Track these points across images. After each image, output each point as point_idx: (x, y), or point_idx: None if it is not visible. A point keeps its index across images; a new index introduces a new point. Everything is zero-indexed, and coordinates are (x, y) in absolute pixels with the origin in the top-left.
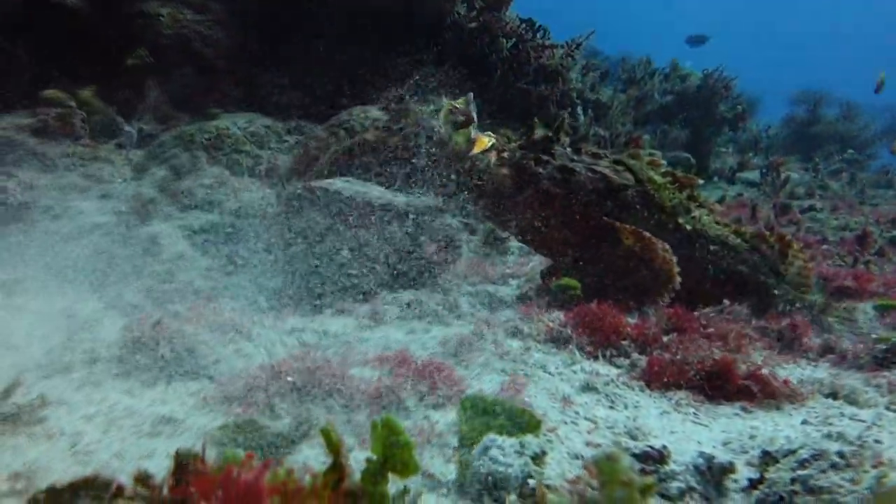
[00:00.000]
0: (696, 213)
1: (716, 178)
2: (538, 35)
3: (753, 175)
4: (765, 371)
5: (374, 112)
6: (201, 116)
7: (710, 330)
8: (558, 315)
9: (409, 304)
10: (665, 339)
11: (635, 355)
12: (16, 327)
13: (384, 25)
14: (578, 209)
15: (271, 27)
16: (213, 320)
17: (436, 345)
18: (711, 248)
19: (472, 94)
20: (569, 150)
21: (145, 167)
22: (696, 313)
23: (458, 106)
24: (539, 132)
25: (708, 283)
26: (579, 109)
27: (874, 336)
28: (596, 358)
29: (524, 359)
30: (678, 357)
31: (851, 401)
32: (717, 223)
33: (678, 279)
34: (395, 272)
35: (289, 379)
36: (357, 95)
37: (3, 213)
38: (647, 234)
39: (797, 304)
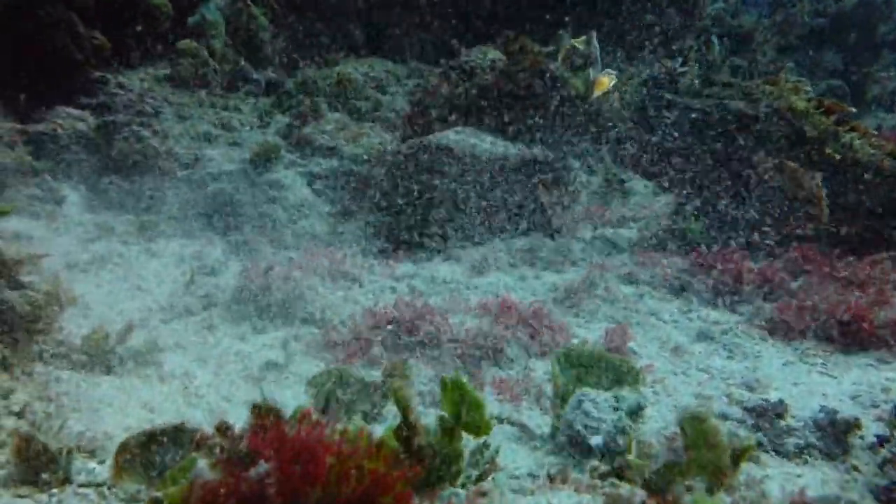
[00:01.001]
0: (847, 138)
1: (874, 107)
2: None
3: None
4: None
5: (493, 52)
6: (324, 63)
7: (844, 274)
8: (675, 260)
9: (520, 251)
10: (794, 284)
11: (759, 302)
12: (149, 270)
13: None
14: (707, 149)
15: None
16: (325, 267)
17: (545, 291)
18: (866, 176)
19: (594, 33)
20: (697, 82)
21: (271, 114)
22: (829, 256)
23: (577, 46)
24: (665, 63)
25: (864, 216)
26: (714, 38)
27: None
28: (716, 305)
29: (636, 307)
30: (807, 303)
31: None
32: (873, 146)
33: (826, 211)
34: (509, 218)
35: (389, 327)
36: (479, 35)
37: (143, 161)
38: (791, 165)
39: None
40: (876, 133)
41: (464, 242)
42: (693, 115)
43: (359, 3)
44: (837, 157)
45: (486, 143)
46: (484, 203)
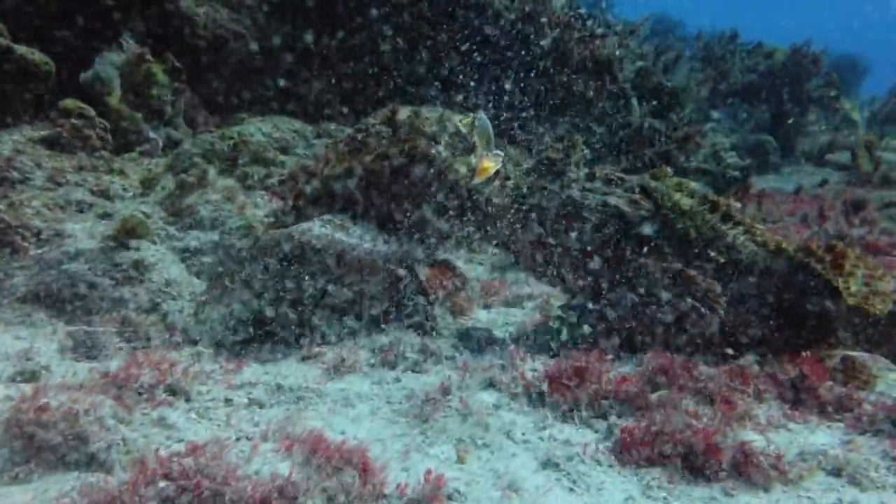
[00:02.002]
0: (731, 237)
1: (803, 161)
2: (588, 23)
3: (846, 156)
4: (754, 445)
5: (404, 113)
6: (230, 121)
7: (702, 385)
8: (539, 365)
9: (383, 349)
10: (653, 396)
11: (614, 418)
12: None
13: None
14: (590, 247)
15: (313, 21)
16: (145, 382)
17: (401, 398)
18: (751, 279)
19: (481, 113)
20: (583, 174)
21: (156, 180)
22: (691, 363)
23: (462, 129)
24: (550, 155)
25: (752, 321)
26: (634, 101)
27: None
28: (572, 419)
29: (490, 421)
30: (654, 427)
31: (855, 481)
32: (757, 242)
33: (721, 312)
34: (378, 313)
35: (161, 485)
36: (395, 93)
37: None
38: (685, 271)
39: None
40: (761, 226)
41: (328, 337)
42: (573, 210)
43: (274, 57)
44: (721, 259)
45: (354, 239)
46: (349, 297)
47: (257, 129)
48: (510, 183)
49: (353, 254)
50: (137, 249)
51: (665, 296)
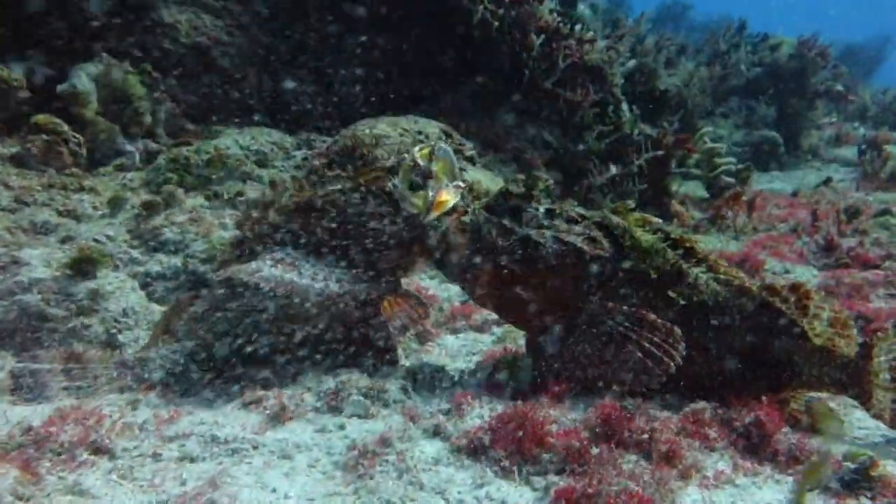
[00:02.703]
0: (693, 276)
1: (809, 157)
2: (576, 28)
3: (853, 151)
4: None
5: (382, 127)
6: (207, 134)
7: (645, 437)
8: (488, 409)
9: (329, 393)
10: (594, 451)
11: (552, 476)
12: None
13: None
14: (543, 290)
15: (298, 27)
16: (65, 440)
17: (342, 450)
18: (712, 321)
19: (443, 144)
20: (542, 210)
21: (123, 200)
22: (633, 413)
23: (418, 161)
24: (511, 189)
25: (713, 363)
26: (625, 106)
27: (843, 452)
28: (511, 475)
29: (426, 478)
30: (590, 489)
31: None
32: (720, 281)
33: (672, 365)
34: (328, 352)
35: None
36: (384, 101)
37: None
38: (643, 314)
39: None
40: (725, 263)
41: (273, 381)
42: (528, 250)
43: (259, 64)
44: (681, 301)
45: (304, 280)
46: (297, 339)
47: (234, 142)
48: (467, 218)
49: (304, 296)
50: (94, 278)
51: (620, 340)
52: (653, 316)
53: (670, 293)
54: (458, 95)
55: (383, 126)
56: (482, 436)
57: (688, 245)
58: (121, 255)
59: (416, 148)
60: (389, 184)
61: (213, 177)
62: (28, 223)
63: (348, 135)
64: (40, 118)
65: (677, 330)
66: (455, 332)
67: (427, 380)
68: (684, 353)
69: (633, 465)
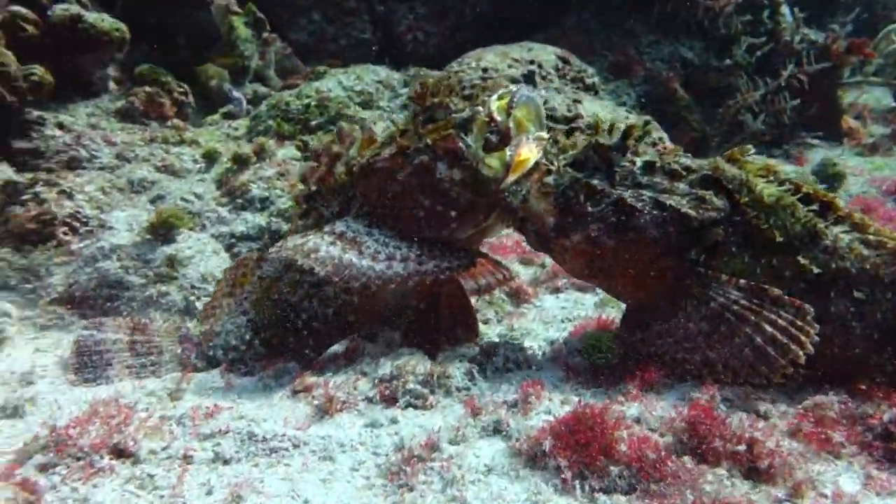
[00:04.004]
0: (830, 238)
1: None
2: None
3: None
4: None
5: (490, 58)
6: (312, 76)
7: (741, 448)
8: (558, 401)
9: (385, 379)
10: (671, 464)
11: (618, 497)
12: None
13: None
14: (641, 262)
15: None
16: (87, 442)
17: (389, 449)
18: (856, 294)
19: (524, 89)
20: (640, 164)
21: (216, 154)
22: (727, 419)
23: (494, 114)
24: (600, 140)
25: (856, 346)
26: (784, 9)
27: None
28: (572, 491)
29: (468, 495)
30: None
31: None
32: (869, 244)
33: (801, 354)
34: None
35: None
36: (503, 26)
37: (41, 230)
38: (768, 289)
39: None
40: (874, 223)
41: (328, 367)
42: (622, 218)
43: None
44: (815, 269)
45: (366, 260)
46: (353, 323)
47: (338, 84)
48: (551, 179)
49: (362, 280)
50: (173, 242)
51: (734, 322)
52: (777, 291)
53: (801, 259)
54: (584, 14)
55: (491, 57)
56: (543, 440)
57: (824, 199)
58: (209, 213)
59: (494, 97)
60: (460, 143)
61: (313, 122)
62: (125, 181)
63: (419, 81)
64: (143, 68)
65: (808, 308)
66: (556, 291)
67: (501, 360)
68: (816, 339)
69: (719, 485)
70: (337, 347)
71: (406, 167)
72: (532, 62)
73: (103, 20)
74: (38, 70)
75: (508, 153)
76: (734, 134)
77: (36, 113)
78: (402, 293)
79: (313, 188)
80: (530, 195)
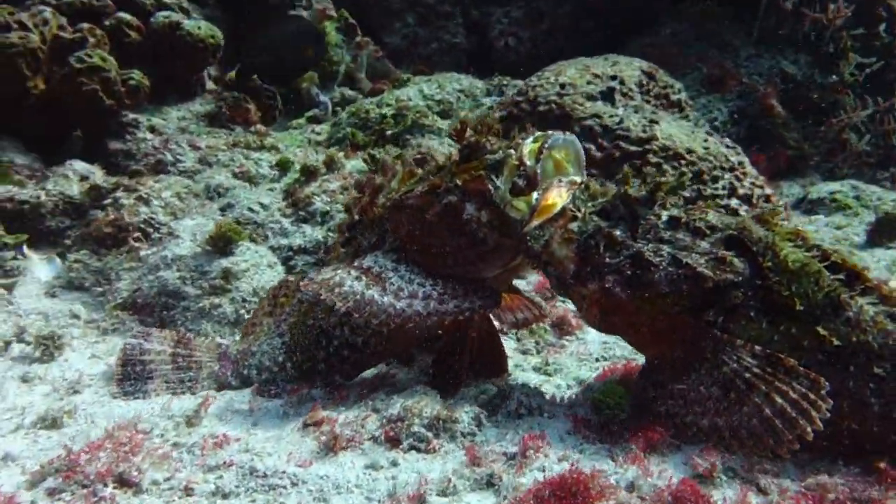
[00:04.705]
0: (854, 310)
1: None
2: None
3: None
4: None
5: (570, 74)
6: (396, 82)
7: None
8: (555, 458)
9: (393, 419)
10: None
11: None
12: None
13: None
14: (655, 318)
15: None
16: (89, 472)
17: (385, 495)
18: (876, 369)
19: (559, 134)
20: (664, 219)
21: (289, 163)
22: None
23: (525, 159)
24: (630, 190)
25: (874, 423)
26: None
27: None
28: None
29: None
30: None
31: None
32: (893, 315)
33: (809, 430)
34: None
35: None
36: (596, 31)
37: (116, 235)
38: (783, 359)
39: None
40: None
41: (351, 396)
42: (637, 272)
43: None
44: (835, 341)
45: (388, 297)
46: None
47: (418, 92)
48: (575, 226)
49: (381, 318)
50: (231, 255)
51: (744, 389)
52: (792, 361)
53: (820, 330)
54: (679, 23)
55: (571, 72)
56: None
57: (853, 268)
58: (272, 224)
59: (529, 139)
60: (489, 184)
61: (388, 132)
62: (203, 187)
63: (467, 116)
64: (233, 74)
65: (823, 382)
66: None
67: (514, 404)
68: (828, 415)
69: None
70: (368, 372)
71: (435, 206)
72: (614, 77)
73: (199, 27)
74: (136, 74)
75: (535, 197)
76: (835, 154)
77: (132, 115)
78: (427, 327)
79: (356, 217)
80: (553, 240)
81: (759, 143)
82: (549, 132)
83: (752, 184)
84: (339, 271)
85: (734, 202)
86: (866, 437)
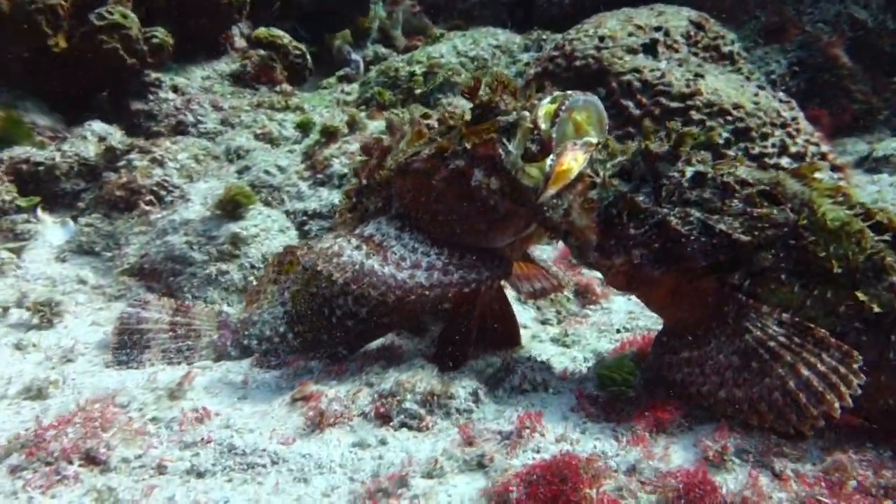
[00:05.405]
0: None
1: None
2: None
3: None
4: None
5: (611, 24)
6: (429, 39)
7: None
8: (553, 438)
9: (385, 395)
10: None
11: None
12: None
13: None
14: (682, 282)
15: None
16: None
17: (370, 475)
18: None
19: (577, 94)
20: (689, 176)
21: (310, 124)
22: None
23: (540, 122)
24: (651, 147)
25: None
26: None
27: None
28: None
29: None
30: None
31: None
32: None
33: (837, 406)
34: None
35: None
36: None
37: (128, 197)
38: (813, 329)
39: None
40: None
41: (350, 368)
42: (666, 244)
43: None
44: (875, 308)
45: (388, 267)
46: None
47: (452, 49)
48: (594, 193)
49: (380, 290)
50: (241, 219)
51: (767, 360)
52: (823, 331)
53: (860, 295)
54: None
55: (612, 24)
56: (512, 489)
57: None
58: (289, 188)
59: (546, 100)
60: (500, 149)
61: (417, 91)
62: (223, 149)
63: (484, 72)
64: (260, 31)
65: (856, 355)
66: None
67: (518, 379)
68: (859, 391)
69: None
70: (375, 343)
71: (442, 171)
72: (658, 28)
73: None
74: (160, 32)
75: (549, 163)
76: None
77: (154, 75)
78: (431, 300)
79: (363, 182)
80: (573, 209)
81: (821, 98)
82: (569, 92)
83: (807, 141)
84: (339, 240)
85: (785, 161)
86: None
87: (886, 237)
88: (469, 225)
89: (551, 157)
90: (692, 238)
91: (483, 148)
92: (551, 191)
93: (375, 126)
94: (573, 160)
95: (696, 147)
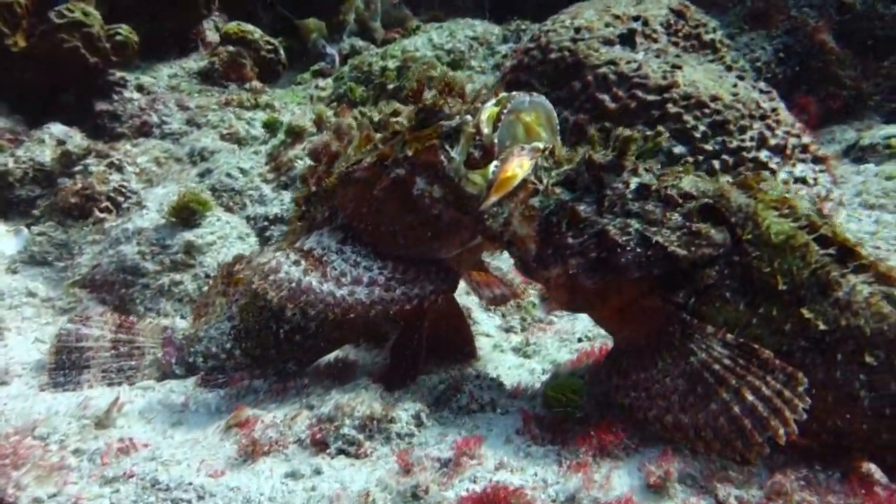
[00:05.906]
0: (846, 289)
1: None
2: None
3: None
4: None
5: (588, 15)
6: (404, 32)
7: None
8: (492, 465)
9: (321, 419)
10: None
11: None
12: None
13: None
14: (623, 300)
15: None
16: None
17: None
18: (868, 358)
19: (522, 95)
20: (632, 187)
21: (276, 124)
22: None
23: (482, 127)
24: (593, 156)
25: (863, 420)
26: None
27: None
28: None
29: None
30: None
31: None
32: (893, 299)
33: (782, 433)
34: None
35: None
36: None
37: (83, 205)
38: (756, 349)
39: None
40: None
41: (293, 388)
42: (602, 254)
43: None
44: (821, 326)
45: (328, 284)
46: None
47: (427, 41)
48: (537, 200)
49: (318, 308)
50: (196, 226)
51: (711, 384)
52: (767, 352)
53: (805, 312)
54: None
55: (589, 14)
56: None
57: (845, 243)
58: (251, 191)
59: (490, 102)
60: (442, 156)
61: (390, 86)
62: (186, 151)
63: (425, 72)
64: (229, 27)
65: (801, 377)
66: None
67: (466, 398)
68: (804, 416)
69: None
70: (330, 356)
71: (383, 179)
72: (636, 18)
73: None
74: (123, 29)
75: (492, 169)
76: None
77: (119, 74)
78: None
79: (312, 189)
80: (513, 218)
81: (809, 85)
82: (513, 93)
83: (787, 133)
84: (277, 254)
85: (763, 154)
86: (853, 435)
87: (831, 251)
88: (413, 236)
89: (495, 163)
90: (628, 249)
91: (424, 155)
92: (493, 198)
93: (346, 123)
94: (518, 167)
95: (642, 154)
